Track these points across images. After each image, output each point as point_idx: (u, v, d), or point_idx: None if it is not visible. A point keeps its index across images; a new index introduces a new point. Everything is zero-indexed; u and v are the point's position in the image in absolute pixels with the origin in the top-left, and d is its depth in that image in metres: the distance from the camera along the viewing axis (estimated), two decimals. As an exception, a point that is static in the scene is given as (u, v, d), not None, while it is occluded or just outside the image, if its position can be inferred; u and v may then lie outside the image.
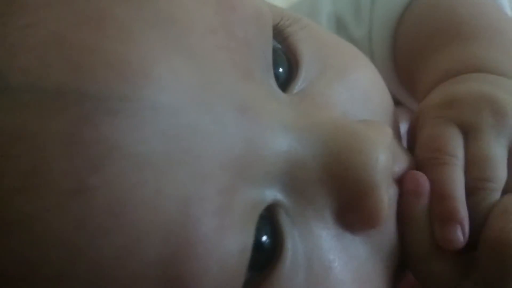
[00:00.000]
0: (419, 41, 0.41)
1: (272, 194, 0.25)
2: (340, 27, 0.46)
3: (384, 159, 0.26)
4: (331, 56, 0.29)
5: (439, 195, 0.28)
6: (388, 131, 0.27)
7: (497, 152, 0.29)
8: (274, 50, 0.27)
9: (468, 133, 0.30)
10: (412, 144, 0.32)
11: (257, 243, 0.24)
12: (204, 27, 0.24)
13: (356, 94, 0.29)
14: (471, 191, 0.28)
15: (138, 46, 0.22)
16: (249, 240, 0.24)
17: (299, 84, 0.28)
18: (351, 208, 0.26)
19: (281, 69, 0.28)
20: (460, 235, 0.27)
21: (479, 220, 0.28)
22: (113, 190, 0.21)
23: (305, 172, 0.25)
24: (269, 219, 0.25)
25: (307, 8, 0.49)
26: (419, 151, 0.30)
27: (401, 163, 0.29)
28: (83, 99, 0.21)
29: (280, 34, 0.28)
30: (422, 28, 0.41)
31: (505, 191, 0.29)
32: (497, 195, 0.29)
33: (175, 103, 0.22)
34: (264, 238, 0.25)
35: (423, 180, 0.28)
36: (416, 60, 0.40)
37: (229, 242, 0.23)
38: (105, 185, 0.21)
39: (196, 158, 0.22)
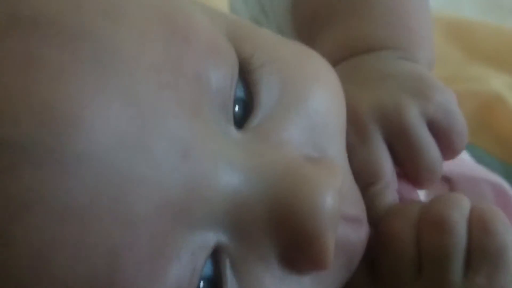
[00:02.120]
0: (314, 10, 0.41)
1: (216, 237, 0.24)
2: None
3: (332, 204, 0.25)
4: (291, 80, 0.29)
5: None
6: (339, 171, 0.27)
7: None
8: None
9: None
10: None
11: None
12: (148, 64, 0.23)
13: (313, 119, 0.28)
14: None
15: (67, 89, 0.21)
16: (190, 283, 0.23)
17: (256, 119, 0.27)
18: (296, 253, 0.25)
19: (236, 107, 0.27)
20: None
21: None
22: (33, 243, 0.21)
23: (250, 215, 0.25)
24: (211, 263, 0.25)
25: None
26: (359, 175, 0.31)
27: (351, 204, 0.29)
28: (7, 148, 0.21)
29: (245, 70, 0.27)
30: (316, 4, 0.41)
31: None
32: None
33: (105, 152, 0.22)
34: (201, 284, 0.24)
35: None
36: (311, 29, 0.40)
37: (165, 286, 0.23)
38: (25, 237, 0.21)
39: (125, 205, 0.22)
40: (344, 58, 0.37)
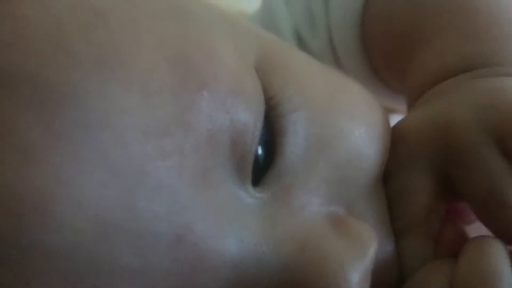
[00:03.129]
0: (396, 37, 0.33)
1: None
2: (300, 42, 0.40)
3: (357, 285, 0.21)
4: (319, 122, 0.24)
5: None
6: (371, 244, 0.22)
7: None
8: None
9: None
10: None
11: None
12: (143, 128, 0.19)
13: (343, 171, 0.24)
14: None
15: (36, 171, 0.18)
16: None
17: (276, 172, 0.23)
18: None
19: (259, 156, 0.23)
20: None
21: None
22: None
23: None
24: None
25: (267, 25, 0.41)
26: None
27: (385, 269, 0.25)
28: None
29: (273, 117, 0.23)
30: (398, 21, 0.33)
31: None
32: None
33: (78, 244, 0.18)
34: None
35: None
36: (398, 57, 0.33)
37: None
38: None
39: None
40: (442, 79, 0.29)
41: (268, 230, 0.21)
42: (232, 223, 0.21)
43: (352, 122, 0.25)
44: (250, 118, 0.21)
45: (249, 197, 0.22)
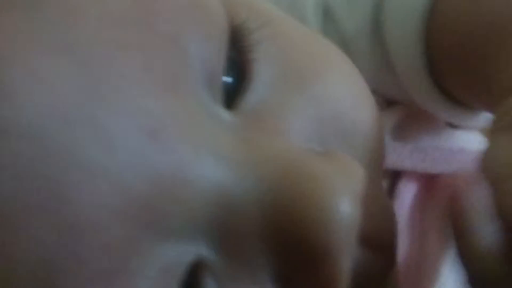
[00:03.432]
0: (473, 45, 0.29)
1: (195, 250, 0.18)
2: (328, 19, 0.36)
3: (346, 212, 0.19)
4: (295, 58, 0.23)
5: None
6: (359, 172, 0.20)
7: None
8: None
9: None
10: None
11: None
12: (103, 13, 0.18)
13: (322, 109, 0.22)
14: None
15: None
16: None
17: (250, 99, 0.21)
18: (299, 274, 0.19)
19: (230, 79, 0.21)
20: None
21: None
22: None
23: (241, 222, 0.19)
24: (189, 283, 0.19)
25: None
26: None
27: (376, 220, 0.22)
28: None
29: (239, 39, 0.21)
30: (472, 28, 0.29)
31: None
32: None
33: (39, 129, 0.16)
34: None
35: None
36: (479, 56, 0.29)
37: None
38: None
39: (69, 204, 0.16)
40: None
41: (246, 151, 0.19)
42: (207, 137, 0.19)
43: (330, 64, 0.24)
44: (215, 34, 0.20)
45: (222, 117, 0.20)
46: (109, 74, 0.17)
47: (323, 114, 0.22)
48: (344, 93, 0.23)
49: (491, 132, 0.23)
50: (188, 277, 0.18)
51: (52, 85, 0.16)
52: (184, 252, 0.18)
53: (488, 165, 0.22)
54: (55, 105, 0.16)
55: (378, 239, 0.22)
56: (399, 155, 0.32)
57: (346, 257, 0.19)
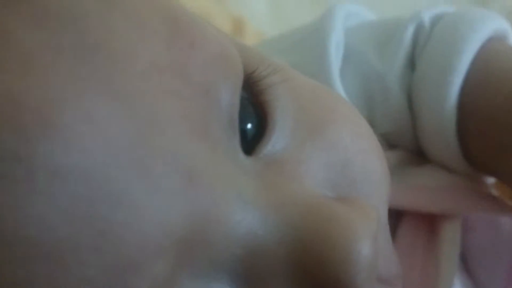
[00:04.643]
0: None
1: (222, 287, 0.19)
2: (351, 59, 0.37)
3: (369, 253, 0.20)
4: (305, 107, 0.24)
5: None
6: (374, 215, 0.21)
7: None
8: (242, 102, 0.21)
9: None
10: None
11: None
12: (148, 62, 0.18)
13: (333, 156, 0.23)
14: None
15: (40, 82, 0.16)
16: None
17: (268, 147, 0.22)
18: None
19: (249, 125, 0.22)
20: None
21: None
22: None
23: (266, 262, 0.20)
24: None
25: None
26: None
27: (386, 261, 0.24)
28: None
29: (252, 86, 0.23)
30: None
31: None
32: None
33: (89, 169, 0.16)
34: None
35: None
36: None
37: None
38: None
39: (118, 243, 0.17)
40: None
41: (268, 195, 0.20)
42: (234, 184, 0.20)
43: (336, 114, 0.25)
44: (235, 82, 0.21)
45: (244, 163, 0.21)
46: (154, 119, 0.18)
47: (334, 161, 0.23)
48: (352, 141, 0.24)
49: None
50: None
51: (104, 128, 0.17)
52: None
53: None
54: (107, 148, 0.17)
55: (387, 277, 0.24)
56: (400, 195, 0.33)
57: None
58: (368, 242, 0.20)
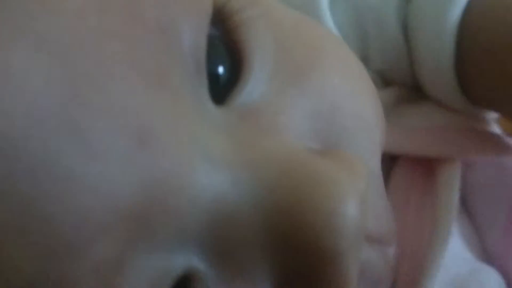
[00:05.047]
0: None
1: (186, 260, 0.17)
2: None
3: (355, 216, 0.18)
4: (290, 52, 0.21)
5: None
6: (363, 172, 0.19)
7: None
8: (211, 41, 0.19)
9: None
10: None
11: None
12: (85, 2, 0.16)
13: (319, 102, 0.21)
14: None
15: None
16: None
17: (243, 95, 0.19)
18: (304, 281, 0.18)
19: (221, 69, 0.19)
20: None
21: None
22: None
23: (238, 229, 0.17)
24: None
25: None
26: None
27: (375, 219, 0.21)
28: None
29: (224, 21, 0.20)
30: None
31: None
32: None
33: (6, 131, 0.14)
34: None
35: None
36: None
37: None
38: None
39: (49, 223, 0.14)
40: None
41: (241, 152, 0.18)
42: (199, 141, 0.17)
43: (325, 54, 0.22)
44: (202, 17, 0.18)
45: (213, 114, 0.18)
46: (91, 70, 0.15)
47: (320, 108, 0.21)
48: (341, 84, 0.22)
49: None
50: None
51: (26, 86, 0.14)
52: (173, 264, 0.17)
53: None
54: (29, 108, 0.14)
55: (379, 236, 0.22)
56: (395, 138, 0.31)
57: (355, 261, 0.18)
58: (354, 203, 0.18)
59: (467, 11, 0.30)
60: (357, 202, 0.18)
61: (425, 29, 0.31)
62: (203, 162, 0.17)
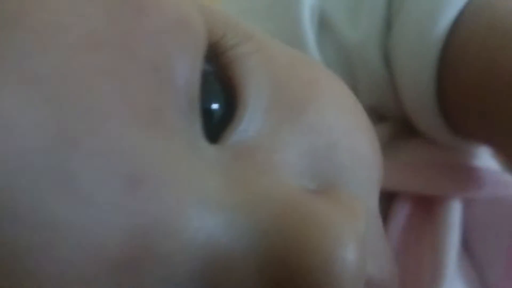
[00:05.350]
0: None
1: None
2: (326, 27, 0.33)
3: (355, 260, 0.17)
4: (285, 88, 0.21)
5: None
6: (361, 213, 0.18)
7: None
8: (205, 77, 0.18)
9: None
10: None
11: None
12: (78, 35, 0.15)
13: (315, 139, 0.20)
14: None
15: None
16: None
17: (237, 132, 0.19)
18: None
19: (215, 105, 0.19)
20: None
21: None
22: None
23: (231, 274, 0.17)
24: None
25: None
26: None
27: (378, 260, 0.21)
28: None
29: (217, 57, 0.19)
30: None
31: None
32: None
33: (3, 177, 0.13)
34: None
35: None
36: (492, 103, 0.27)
37: None
38: None
39: (30, 277, 0.13)
40: None
41: (235, 191, 0.17)
42: (191, 181, 0.16)
43: (320, 89, 0.21)
44: (197, 54, 0.18)
45: (207, 153, 0.18)
46: (82, 110, 0.15)
47: (317, 145, 0.20)
48: (338, 120, 0.21)
49: None
50: None
51: (13, 126, 0.14)
52: None
53: None
54: (13, 151, 0.14)
55: (379, 280, 0.21)
56: (392, 175, 0.30)
57: None
58: (353, 247, 0.17)
59: (449, 42, 0.29)
60: (356, 245, 0.17)
61: (404, 56, 0.30)
62: (195, 204, 0.16)
